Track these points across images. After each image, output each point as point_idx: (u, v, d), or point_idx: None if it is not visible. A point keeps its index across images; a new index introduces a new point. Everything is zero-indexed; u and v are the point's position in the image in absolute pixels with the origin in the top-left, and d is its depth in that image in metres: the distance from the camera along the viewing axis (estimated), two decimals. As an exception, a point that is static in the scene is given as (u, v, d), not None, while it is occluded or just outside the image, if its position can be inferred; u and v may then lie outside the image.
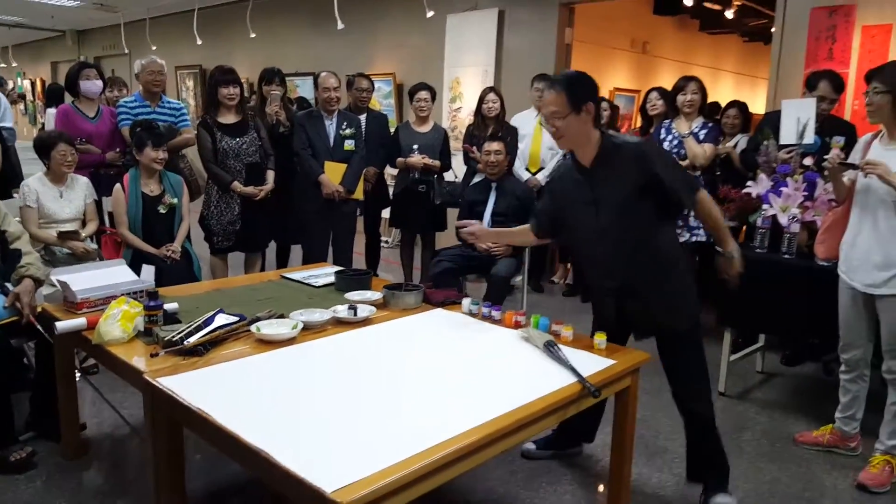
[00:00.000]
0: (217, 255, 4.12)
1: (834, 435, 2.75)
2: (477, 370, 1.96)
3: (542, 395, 1.78)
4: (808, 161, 3.24)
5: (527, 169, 4.75)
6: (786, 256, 3.05)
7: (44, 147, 3.47)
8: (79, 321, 2.20)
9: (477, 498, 2.36)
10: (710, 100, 4.27)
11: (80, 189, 3.61)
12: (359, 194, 4.31)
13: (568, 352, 2.04)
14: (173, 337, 2.01)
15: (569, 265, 5.36)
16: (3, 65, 13.55)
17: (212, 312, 2.19)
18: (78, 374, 2.92)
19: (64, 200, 3.53)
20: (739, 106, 4.57)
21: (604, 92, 7.34)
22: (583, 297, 4.87)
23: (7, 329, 2.44)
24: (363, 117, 4.59)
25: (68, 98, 4.41)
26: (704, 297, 4.08)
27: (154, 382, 1.81)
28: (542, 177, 4.64)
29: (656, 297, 2.19)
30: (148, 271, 3.16)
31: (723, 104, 4.95)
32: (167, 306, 2.23)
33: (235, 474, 2.43)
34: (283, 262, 4.73)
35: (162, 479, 1.87)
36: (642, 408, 2.80)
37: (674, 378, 2.30)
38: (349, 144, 4.21)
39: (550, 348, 2.04)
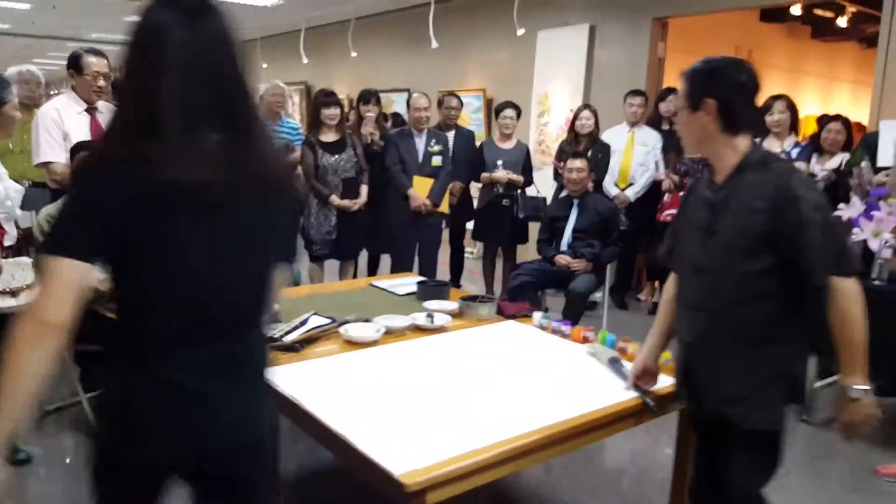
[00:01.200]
0: (315, 262, 4.45)
1: (919, 468, 2.66)
2: (538, 379, 2.10)
3: (600, 406, 1.89)
4: (903, 183, 3.14)
5: (615, 185, 4.81)
6: (876, 282, 2.98)
7: None
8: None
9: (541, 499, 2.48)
10: (827, 110, 4.09)
11: None
12: (444, 207, 4.54)
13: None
14: (274, 334, 2.27)
15: (656, 283, 5.31)
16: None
17: (307, 314, 2.44)
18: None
19: None
20: (843, 120, 4.24)
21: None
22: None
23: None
24: (451, 134, 4.82)
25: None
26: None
27: (256, 373, 2.07)
28: (631, 193, 4.68)
29: (722, 376, 1.69)
30: None
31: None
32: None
33: (327, 462, 2.67)
34: (373, 269, 5.02)
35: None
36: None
37: (704, 469, 1.81)
38: (437, 160, 4.46)
39: (614, 364, 2.13)
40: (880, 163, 3.34)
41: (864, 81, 9.38)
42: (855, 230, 3.12)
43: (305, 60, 8.71)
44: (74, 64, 3.14)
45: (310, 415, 1.81)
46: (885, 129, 3.37)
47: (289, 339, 2.27)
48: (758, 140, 4.03)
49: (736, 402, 1.66)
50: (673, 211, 4.46)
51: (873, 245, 3.01)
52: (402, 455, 1.57)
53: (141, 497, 1.24)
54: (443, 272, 4.88)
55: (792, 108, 3.93)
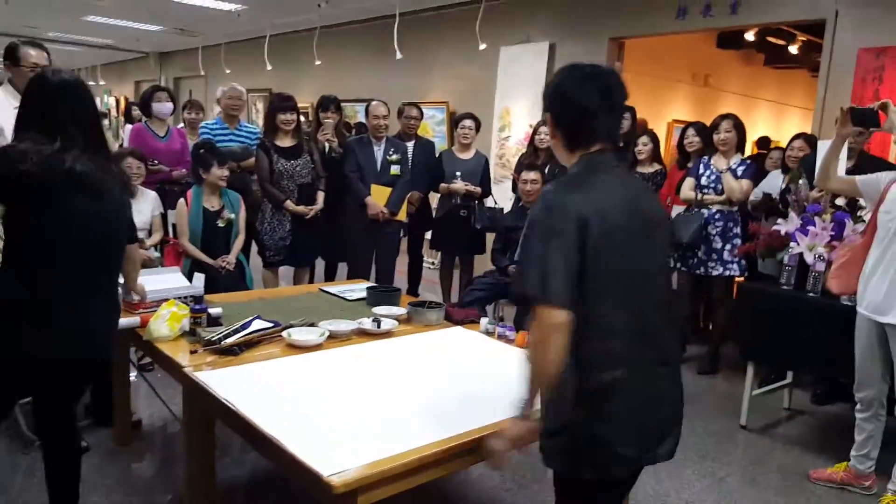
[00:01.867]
0: (269, 268, 4.41)
1: (848, 473, 2.75)
2: (478, 383, 2.12)
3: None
4: (840, 201, 3.27)
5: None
6: (810, 294, 3.08)
7: (115, 160, 3.84)
8: (133, 320, 2.47)
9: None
10: (779, 135, 4.24)
11: (148, 202, 3.96)
12: (402, 216, 4.55)
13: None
14: (212, 337, 2.25)
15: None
16: (92, 83, 14.66)
17: (249, 318, 2.43)
18: (134, 372, 3.22)
19: (133, 211, 3.87)
20: (807, 138, 4.23)
21: (661, 124, 7.39)
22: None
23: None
24: (411, 144, 4.84)
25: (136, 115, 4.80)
26: (732, 331, 4.16)
27: (191, 376, 2.05)
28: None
29: None
30: (199, 279, 3.44)
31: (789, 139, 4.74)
32: (212, 310, 2.48)
33: (266, 472, 2.64)
34: (330, 277, 4.99)
35: (193, 462, 2.10)
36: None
37: None
38: (395, 169, 4.47)
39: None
40: (816, 181, 3.46)
41: (813, 108, 9.77)
42: (791, 244, 3.23)
43: (269, 67, 8.67)
44: (11, 55, 3.05)
45: (242, 418, 1.80)
46: (822, 148, 3.49)
47: (228, 342, 2.25)
48: (706, 156, 4.16)
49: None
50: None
51: (808, 258, 3.11)
52: (332, 457, 1.57)
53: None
54: (401, 281, 4.88)
55: (738, 127, 4.05)
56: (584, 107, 1.47)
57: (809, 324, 3.03)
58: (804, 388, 3.80)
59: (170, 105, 4.38)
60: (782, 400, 3.66)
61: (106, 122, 7.24)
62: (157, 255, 3.91)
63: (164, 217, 4.12)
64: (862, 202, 3.02)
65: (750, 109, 8.63)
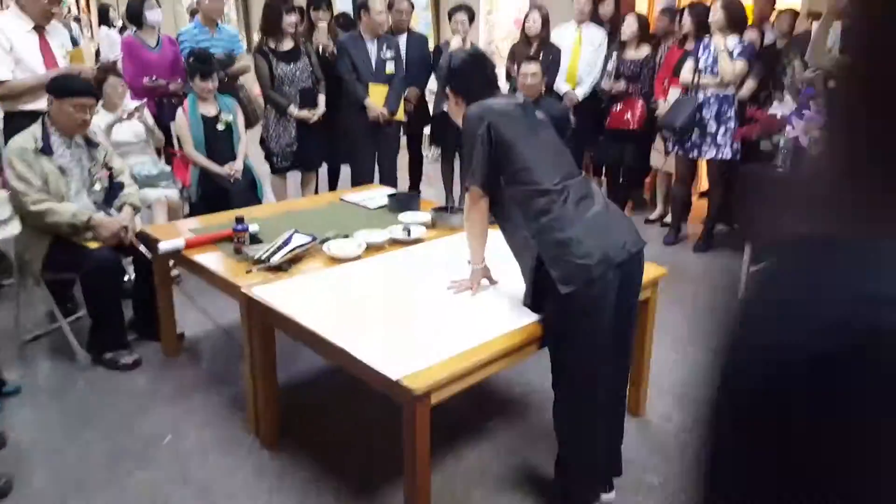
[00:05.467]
0: (277, 175, 4.46)
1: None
2: (516, 279, 2.29)
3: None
4: (832, 84, 3.36)
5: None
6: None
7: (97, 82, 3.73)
8: (178, 242, 2.59)
9: (518, 391, 2.76)
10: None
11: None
12: (400, 115, 4.55)
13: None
14: (261, 256, 2.38)
15: (602, 178, 5.45)
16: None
17: (288, 234, 2.54)
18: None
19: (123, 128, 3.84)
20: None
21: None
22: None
23: (113, 248, 2.86)
24: (403, 38, 4.75)
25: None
26: (728, 211, 4.37)
27: (250, 294, 2.20)
28: (579, 93, 4.77)
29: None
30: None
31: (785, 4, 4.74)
32: (250, 228, 2.59)
33: (315, 366, 2.86)
34: (333, 181, 5.05)
35: (257, 369, 2.30)
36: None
37: None
38: (390, 67, 4.41)
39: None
40: (810, 61, 3.50)
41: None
42: (787, 128, 3.35)
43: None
44: None
45: (309, 330, 1.97)
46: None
47: (275, 259, 2.38)
48: (708, 36, 4.14)
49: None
50: (624, 117, 4.61)
51: (803, 141, 3.25)
52: (401, 361, 1.76)
53: None
54: (402, 178, 4.96)
55: (729, 6, 3.99)
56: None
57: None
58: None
59: (160, 11, 4.23)
60: (774, 274, 3.92)
61: (75, 25, 6.87)
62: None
63: (167, 130, 4.11)
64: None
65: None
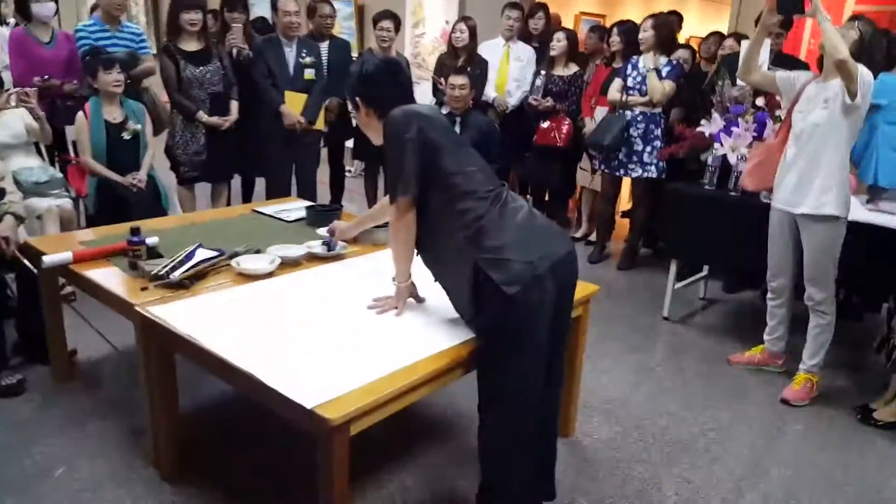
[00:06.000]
0: (184, 186, 4.14)
1: (764, 354, 3.07)
2: (444, 298, 2.14)
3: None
4: (760, 101, 3.42)
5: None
6: (732, 193, 3.28)
7: None
8: (65, 255, 2.28)
9: (443, 412, 2.60)
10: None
11: (15, 114, 3.44)
12: (319, 125, 4.34)
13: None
14: (159, 271, 2.12)
15: (527, 196, 5.39)
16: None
17: (191, 247, 2.29)
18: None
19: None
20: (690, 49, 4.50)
21: (567, 16, 7.28)
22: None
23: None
24: (325, 45, 4.55)
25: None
26: (653, 230, 4.40)
27: (145, 313, 1.94)
28: (512, 102, 4.70)
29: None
30: None
31: (688, 33, 4.90)
32: (148, 241, 2.32)
33: (221, 392, 2.60)
34: (248, 194, 4.77)
35: (156, 396, 2.03)
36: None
37: None
38: (309, 73, 4.20)
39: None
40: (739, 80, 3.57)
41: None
42: (715, 145, 3.38)
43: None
44: None
45: (210, 353, 1.74)
46: (745, 47, 3.60)
47: (176, 275, 2.12)
48: (636, 56, 4.16)
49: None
50: (551, 134, 4.57)
51: (731, 158, 3.28)
52: (314, 387, 1.56)
53: None
54: (322, 192, 4.74)
55: (659, 27, 4.07)
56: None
57: (731, 221, 3.24)
58: (716, 279, 4.12)
59: (51, 5, 3.85)
60: (698, 291, 3.97)
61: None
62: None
63: (61, 134, 3.74)
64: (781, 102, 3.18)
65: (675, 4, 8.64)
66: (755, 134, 3.27)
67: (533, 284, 1.69)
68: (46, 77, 3.73)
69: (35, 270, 2.46)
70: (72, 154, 3.77)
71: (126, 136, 3.61)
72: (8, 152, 3.43)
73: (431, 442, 2.42)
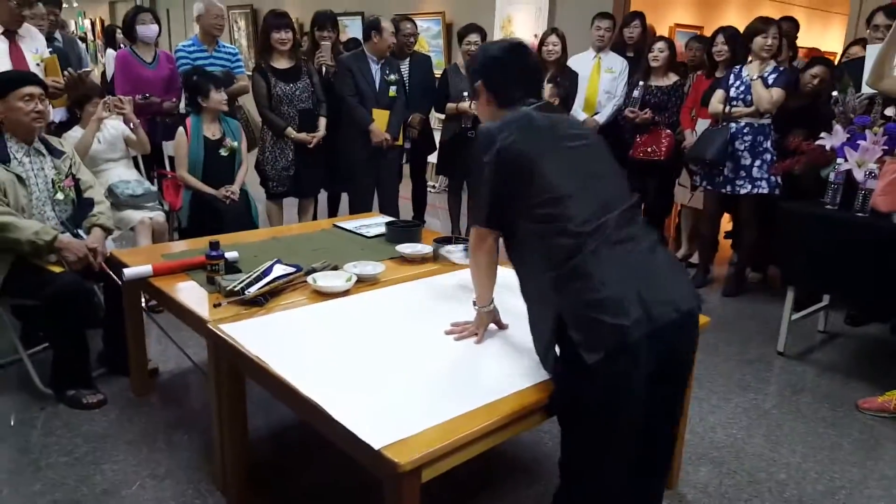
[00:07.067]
0: (272, 200, 4.18)
1: (899, 401, 2.66)
2: (525, 330, 1.94)
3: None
4: (890, 111, 3.03)
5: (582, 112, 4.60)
6: (858, 214, 2.90)
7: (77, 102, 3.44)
8: (145, 268, 2.27)
9: (528, 454, 2.39)
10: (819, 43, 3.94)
11: (116, 128, 3.59)
12: (400, 141, 4.29)
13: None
14: (235, 287, 2.05)
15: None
16: (65, 5, 13.75)
17: (269, 263, 2.22)
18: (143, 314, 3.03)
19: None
20: (827, 64, 4.00)
21: (662, 29, 6.96)
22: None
23: (81, 273, 2.54)
24: (406, 62, 4.50)
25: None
26: (768, 254, 4.00)
27: (217, 331, 1.86)
28: (600, 119, 4.48)
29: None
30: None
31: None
32: (227, 255, 2.27)
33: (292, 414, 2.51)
34: (333, 208, 4.77)
35: (225, 418, 1.95)
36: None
37: None
38: (393, 91, 4.15)
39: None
40: (865, 88, 3.19)
41: (819, 7, 9.27)
42: (838, 160, 3.01)
43: (250, -20, 8.06)
44: None
45: (276, 377, 1.63)
46: (872, 53, 3.21)
47: (251, 291, 2.05)
48: (739, 66, 3.84)
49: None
50: (649, 148, 4.30)
51: (858, 175, 2.91)
52: (384, 425, 1.39)
53: None
54: (405, 207, 4.66)
55: (783, 36, 3.73)
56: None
57: (857, 245, 2.86)
58: (837, 310, 3.68)
59: (155, 28, 4.01)
60: (817, 323, 3.55)
61: (83, 46, 6.73)
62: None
63: (159, 150, 3.85)
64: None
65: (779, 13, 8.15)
66: (885, 147, 2.89)
67: (619, 353, 1.37)
68: (147, 95, 3.85)
69: (120, 282, 2.47)
70: (168, 169, 3.86)
71: (223, 152, 3.68)
72: (108, 165, 3.56)
73: (515, 485, 2.20)
